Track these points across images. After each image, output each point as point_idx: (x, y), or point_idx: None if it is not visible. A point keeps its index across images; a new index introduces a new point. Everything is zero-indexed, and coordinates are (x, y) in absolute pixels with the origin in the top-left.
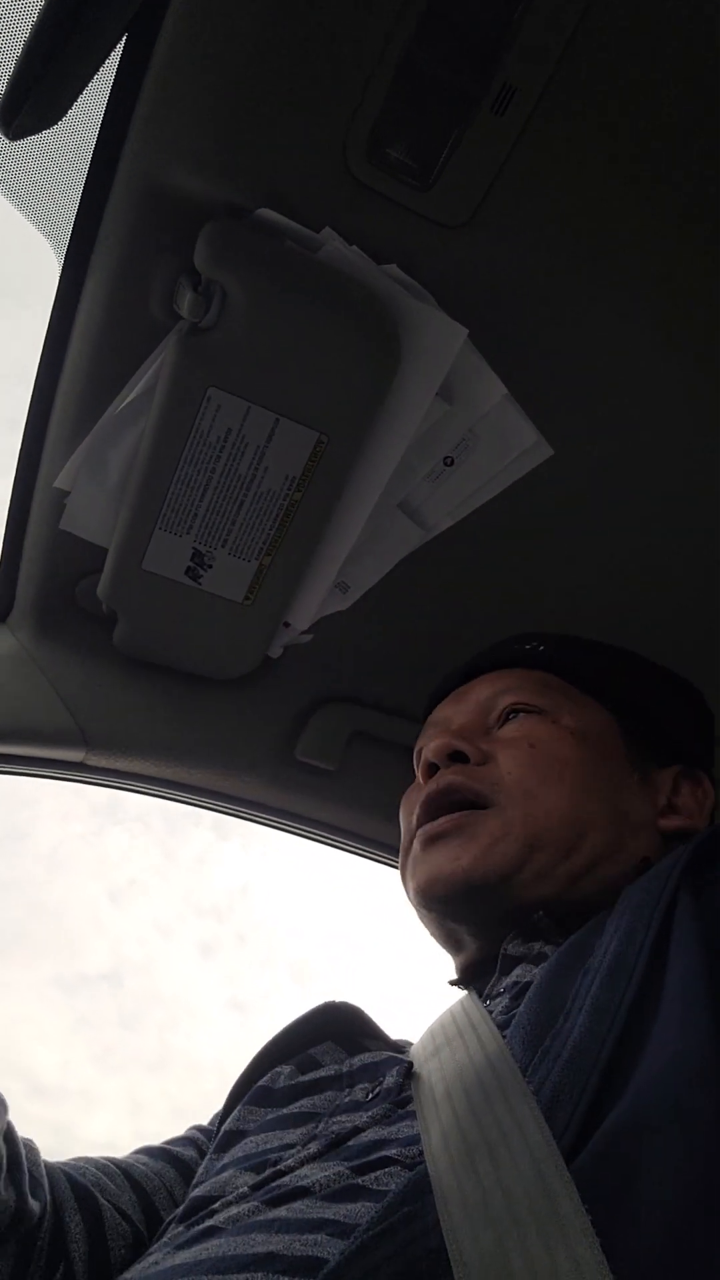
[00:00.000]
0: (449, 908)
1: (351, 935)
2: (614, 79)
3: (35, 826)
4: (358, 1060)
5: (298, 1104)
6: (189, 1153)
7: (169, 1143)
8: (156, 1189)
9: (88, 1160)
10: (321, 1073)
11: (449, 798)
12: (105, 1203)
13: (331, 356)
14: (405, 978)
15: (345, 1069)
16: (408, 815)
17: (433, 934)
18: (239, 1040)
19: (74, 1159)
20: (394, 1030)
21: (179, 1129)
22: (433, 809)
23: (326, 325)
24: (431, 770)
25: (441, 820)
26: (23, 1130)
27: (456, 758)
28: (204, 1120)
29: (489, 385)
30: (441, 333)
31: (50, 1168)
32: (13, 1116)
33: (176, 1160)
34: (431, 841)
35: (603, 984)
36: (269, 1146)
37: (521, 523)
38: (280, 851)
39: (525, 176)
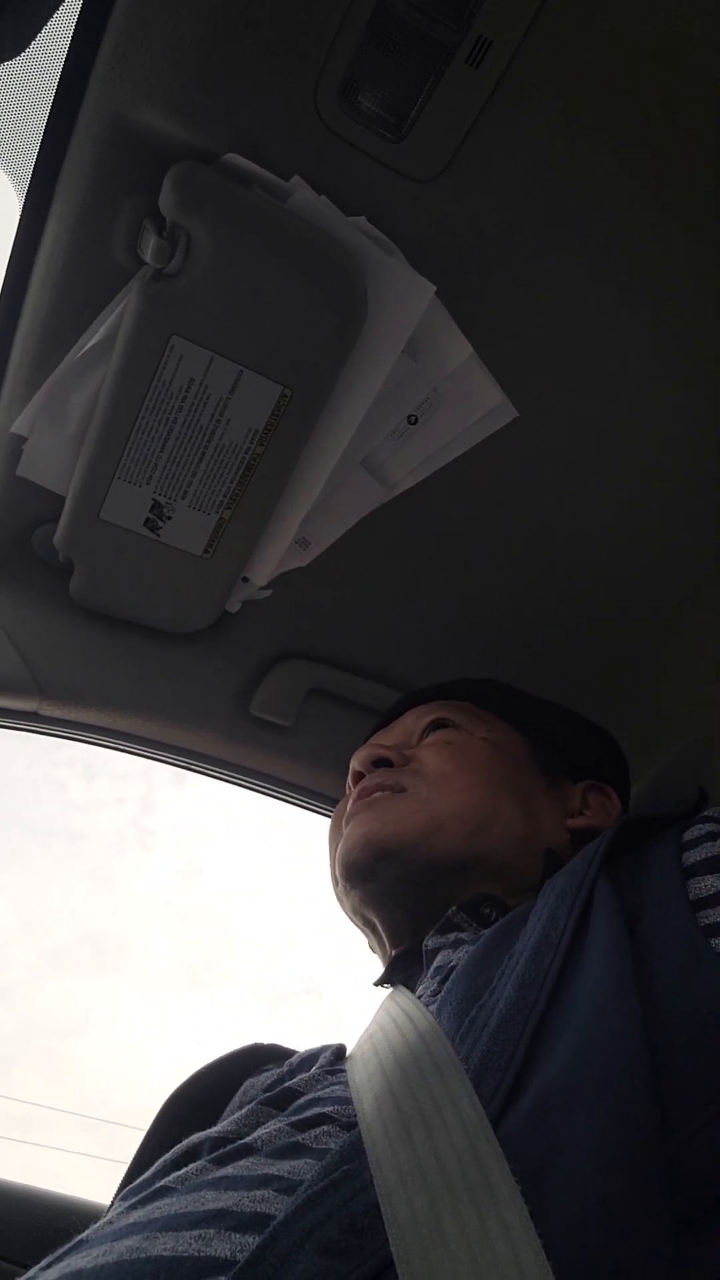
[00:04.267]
0: (362, 875)
1: None
2: (591, 36)
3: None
4: (295, 1058)
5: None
6: None
7: None
8: None
9: None
10: (267, 1076)
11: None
12: None
13: (297, 308)
14: None
15: (285, 1068)
16: (336, 832)
17: (357, 925)
18: None
19: None
20: None
21: None
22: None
23: (293, 276)
24: (359, 780)
25: (360, 801)
26: None
27: (380, 764)
28: None
29: (455, 344)
30: (409, 289)
31: None
32: None
33: None
34: (350, 819)
35: (528, 962)
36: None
37: (485, 485)
38: None
39: (499, 132)
